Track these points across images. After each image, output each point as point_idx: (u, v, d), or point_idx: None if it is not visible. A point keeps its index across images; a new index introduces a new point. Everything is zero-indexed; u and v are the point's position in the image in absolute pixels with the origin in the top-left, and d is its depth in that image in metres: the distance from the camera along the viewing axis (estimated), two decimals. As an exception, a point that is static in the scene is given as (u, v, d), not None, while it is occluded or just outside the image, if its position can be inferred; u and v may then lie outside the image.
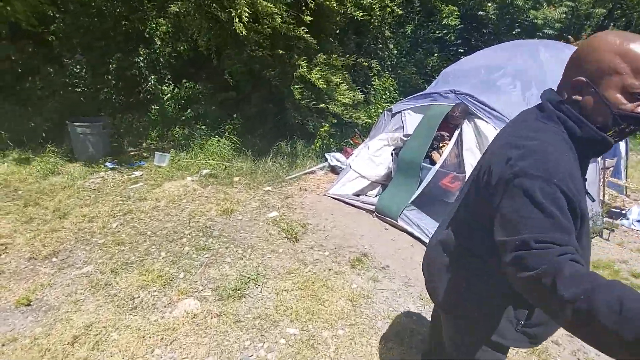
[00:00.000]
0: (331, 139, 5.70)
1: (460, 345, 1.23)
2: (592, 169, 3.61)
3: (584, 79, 0.90)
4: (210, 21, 4.78)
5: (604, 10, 11.30)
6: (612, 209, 4.06)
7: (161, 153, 5.05)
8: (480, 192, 1.03)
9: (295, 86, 5.53)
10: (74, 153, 4.93)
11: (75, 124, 4.78)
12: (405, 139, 4.08)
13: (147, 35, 6.16)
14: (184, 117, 6.29)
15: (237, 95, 5.98)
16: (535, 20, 8.88)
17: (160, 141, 5.96)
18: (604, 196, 3.90)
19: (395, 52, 8.52)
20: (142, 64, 6.46)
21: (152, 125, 6.14)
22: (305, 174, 5.17)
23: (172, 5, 4.15)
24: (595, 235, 3.65)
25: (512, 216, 0.84)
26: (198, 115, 6.11)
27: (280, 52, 5.07)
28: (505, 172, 0.89)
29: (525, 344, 1.14)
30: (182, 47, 5.54)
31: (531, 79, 3.44)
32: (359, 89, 6.40)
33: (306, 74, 5.22)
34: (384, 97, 7.17)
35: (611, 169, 4.17)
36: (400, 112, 4.23)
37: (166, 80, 6.62)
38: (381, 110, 6.89)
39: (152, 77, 6.56)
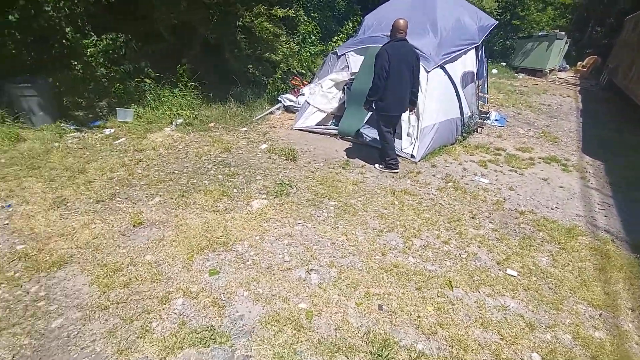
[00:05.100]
0: (283, 84, 6.50)
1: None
2: (471, 87, 5.49)
3: None
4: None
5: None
6: (482, 113, 6.18)
7: (124, 109, 5.14)
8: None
9: (239, 37, 5.99)
10: (20, 116, 4.63)
11: (19, 85, 4.49)
12: (352, 76, 5.26)
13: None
14: (112, 74, 6.06)
15: (170, 47, 6.09)
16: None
17: (100, 99, 5.78)
18: (478, 105, 5.92)
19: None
20: (52, 13, 5.80)
21: (76, 83, 5.81)
22: (267, 114, 5.98)
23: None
24: (474, 130, 5.65)
25: None
26: (134, 70, 6.02)
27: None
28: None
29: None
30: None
31: (432, 25, 4.95)
32: (291, 38, 7.10)
33: (253, 24, 5.74)
34: (308, 41, 8.02)
35: (480, 87, 6.20)
36: (344, 54, 5.34)
37: (87, 32, 6.11)
38: (309, 54, 7.81)
39: (68, 28, 5.97)
